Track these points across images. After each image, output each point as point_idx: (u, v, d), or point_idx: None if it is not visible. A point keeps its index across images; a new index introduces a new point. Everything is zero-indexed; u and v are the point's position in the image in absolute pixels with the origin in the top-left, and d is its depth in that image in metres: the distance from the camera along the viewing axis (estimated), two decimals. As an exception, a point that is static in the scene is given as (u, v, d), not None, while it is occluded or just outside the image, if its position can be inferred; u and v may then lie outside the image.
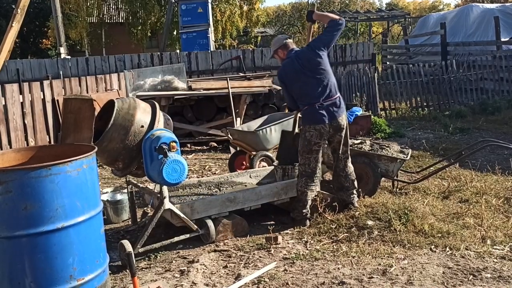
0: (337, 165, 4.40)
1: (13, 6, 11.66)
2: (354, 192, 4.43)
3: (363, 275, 3.21)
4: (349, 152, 4.42)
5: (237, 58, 11.11)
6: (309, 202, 4.23)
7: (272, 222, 4.27)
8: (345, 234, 3.92)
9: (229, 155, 6.41)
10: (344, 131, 4.27)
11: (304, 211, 4.20)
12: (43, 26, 27.71)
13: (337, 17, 4.21)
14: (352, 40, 28.96)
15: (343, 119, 4.24)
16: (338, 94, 4.27)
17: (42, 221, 2.50)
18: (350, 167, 4.42)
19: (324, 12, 4.25)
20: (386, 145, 5.23)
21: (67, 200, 2.57)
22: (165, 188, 3.65)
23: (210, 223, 3.91)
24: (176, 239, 3.81)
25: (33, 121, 6.82)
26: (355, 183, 4.45)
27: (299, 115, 4.49)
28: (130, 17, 25.26)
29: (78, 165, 2.61)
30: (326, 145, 4.42)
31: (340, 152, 4.35)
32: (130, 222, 4.46)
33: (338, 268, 3.34)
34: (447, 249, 3.55)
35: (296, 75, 4.17)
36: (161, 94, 7.58)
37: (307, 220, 4.21)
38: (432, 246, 3.61)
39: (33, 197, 2.47)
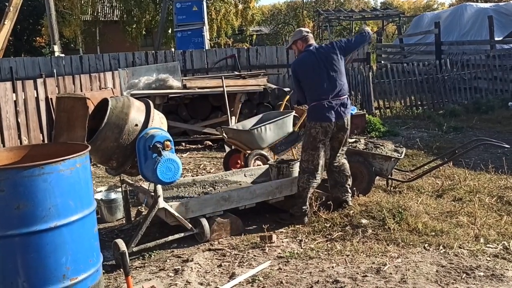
0: (332, 161, 4.43)
1: (6, 4, 11.58)
2: (349, 189, 4.45)
3: (357, 273, 3.22)
4: (345, 149, 4.48)
5: (232, 57, 11.09)
6: (309, 198, 4.25)
7: (267, 221, 4.27)
8: (340, 233, 3.93)
9: (224, 154, 6.41)
10: (347, 131, 4.33)
11: (304, 207, 4.22)
12: (37, 24, 27.55)
13: (368, 29, 4.35)
14: (347, 39, 28.92)
15: (348, 119, 4.31)
16: (347, 95, 4.33)
17: (35, 221, 2.48)
18: (345, 163, 4.46)
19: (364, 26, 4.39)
20: (381, 143, 5.24)
21: (60, 199, 2.55)
22: (159, 187, 3.64)
23: (204, 222, 3.91)
24: (170, 238, 3.80)
25: (27, 120, 6.78)
26: (350, 179, 4.47)
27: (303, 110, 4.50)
28: (125, 15, 25.16)
29: (71, 164, 2.60)
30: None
31: (338, 151, 4.39)
32: (124, 221, 4.45)
33: (332, 267, 3.35)
34: (441, 247, 3.57)
35: (312, 68, 4.22)
36: (155, 93, 7.55)
37: (306, 217, 4.22)
38: (426, 245, 3.63)
39: (26, 196, 2.46)
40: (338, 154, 4.39)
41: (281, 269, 3.36)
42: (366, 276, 3.17)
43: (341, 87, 4.23)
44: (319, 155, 4.21)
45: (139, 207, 4.68)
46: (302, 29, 4.51)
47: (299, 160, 4.74)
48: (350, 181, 4.47)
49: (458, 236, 3.73)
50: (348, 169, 4.47)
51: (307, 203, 4.23)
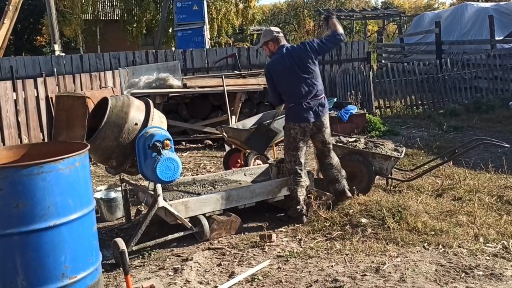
0: (323, 161, 4.48)
1: (6, 3, 11.58)
2: (345, 182, 4.51)
3: (356, 272, 3.22)
4: (331, 145, 4.50)
5: (233, 56, 11.08)
6: (302, 198, 4.25)
7: (266, 220, 4.27)
8: (339, 232, 3.93)
9: (224, 153, 6.41)
10: (327, 130, 4.36)
11: (298, 207, 4.22)
12: (37, 23, 27.54)
13: (342, 31, 4.29)
14: (347, 39, 28.98)
15: (326, 118, 4.34)
16: (324, 95, 4.34)
17: (34, 219, 2.49)
18: (334, 157, 4.51)
19: (337, 23, 4.32)
20: (381, 143, 5.24)
21: (59, 198, 2.55)
22: (159, 186, 3.64)
23: (204, 221, 3.91)
24: (170, 237, 3.80)
25: (27, 119, 6.79)
26: (343, 172, 4.53)
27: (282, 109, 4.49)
28: (125, 15, 25.14)
29: (70, 163, 2.60)
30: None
31: (325, 150, 4.43)
32: (123, 220, 4.45)
33: (332, 266, 3.35)
34: (440, 246, 3.57)
35: (285, 72, 4.20)
36: (155, 92, 7.55)
37: (304, 217, 4.23)
38: (425, 244, 3.63)
39: (25, 195, 2.46)
40: (326, 153, 4.44)
41: (280, 268, 3.36)
42: (365, 275, 3.17)
43: (317, 88, 4.24)
44: (300, 154, 4.24)
45: (138, 206, 4.69)
46: (272, 28, 4.45)
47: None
48: (344, 174, 4.53)
49: (457, 235, 3.73)
50: (339, 162, 4.53)
51: (302, 203, 4.23)
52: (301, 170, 4.25)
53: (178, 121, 8.05)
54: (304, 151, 4.28)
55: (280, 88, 4.29)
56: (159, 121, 3.65)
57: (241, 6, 25.61)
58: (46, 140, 6.91)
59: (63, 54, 13.09)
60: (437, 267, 3.26)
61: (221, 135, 5.97)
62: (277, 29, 4.47)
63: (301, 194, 4.25)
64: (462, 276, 3.12)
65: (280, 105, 4.52)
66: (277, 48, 4.29)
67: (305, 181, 4.29)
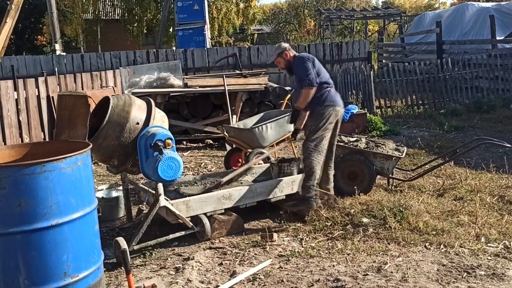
0: (328, 162, 4.53)
1: (8, 2, 11.58)
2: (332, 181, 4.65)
3: (358, 272, 3.22)
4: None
5: (233, 56, 11.08)
6: (318, 176, 4.31)
7: (267, 220, 4.27)
8: (340, 232, 3.93)
9: (225, 153, 6.41)
10: (339, 126, 4.50)
11: (314, 188, 4.24)
12: (38, 23, 27.55)
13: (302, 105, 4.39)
14: (348, 38, 28.97)
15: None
16: None
17: (36, 218, 2.48)
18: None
19: (300, 117, 4.52)
20: (382, 143, 5.24)
21: (62, 197, 2.55)
22: (160, 185, 3.64)
23: (205, 220, 3.91)
24: (171, 236, 3.81)
25: (28, 118, 6.79)
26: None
27: (312, 93, 4.37)
28: (126, 14, 25.16)
29: (72, 162, 2.60)
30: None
31: (331, 147, 4.51)
32: (125, 219, 4.45)
33: (333, 265, 3.35)
34: (442, 246, 3.57)
35: (319, 62, 4.48)
36: (156, 91, 7.55)
37: (313, 201, 4.22)
38: (427, 244, 3.63)
39: (27, 194, 2.46)
40: (333, 151, 4.57)
41: (282, 268, 3.36)
42: (367, 274, 3.17)
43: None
44: (327, 136, 4.32)
45: (140, 206, 4.69)
46: (283, 43, 4.66)
47: (300, 159, 4.76)
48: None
49: (459, 235, 3.73)
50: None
51: (315, 181, 4.25)
52: (324, 151, 4.29)
53: (179, 120, 8.05)
54: (328, 136, 4.34)
55: (318, 74, 4.37)
56: (160, 120, 3.65)
57: (241, 5, 25.62)
58: (47, 139, 6.91)
59: (64, 53, 13.10)
60: (438, 267, 3.26)
61: (222, 135, 5.97)
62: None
63: (318, 171, 4.28)
64: (464, 276, 3.12)
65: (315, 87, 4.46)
66: (292, 55, 4.47)
67: (322, 163, 4.33)
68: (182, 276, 3.26)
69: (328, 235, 3.91)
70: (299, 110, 4.43)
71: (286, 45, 4.56)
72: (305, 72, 4.26)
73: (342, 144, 5.09)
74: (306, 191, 4.24)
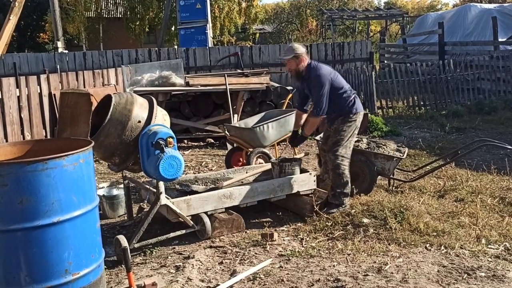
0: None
1: (10, 0, 11.60)
2: None
3: (358, 272, 3.22)
4: None
5: (235, 55, 11.09)
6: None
7: (268, 219, 4.27)
8: (341, 232, 3.93)
9: (226, 152, 6.41)
10: None
11: (347, 188, 4.35)
12: (41, 20, 27.57)
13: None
14: (350, 39, 28.95)
15: None
16: None
17: (38, 215, 2.49)
18: None
19: (307, 134, 4.56)
20: (383, 143, 5.24)
21: (63, 194, 2.56)
22: (161, 183, 3.64)
23: (206, 219, 3.91)
24: (172, 234, 3.81)
25: (30, 115, 6.80)
26: None
27: (319, 122, 4.53)
28: (128, 12, 25.17)
29: (74, 160, 2.60)
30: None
31: None
32: (126, 217, 4.46)
33: (333, 266, 3.35)
34: (442, 247, 3.57)
35: (336, 72, 4.52)
36: (158, 90, 7.56)
37: (345, 200, 4.35)
38: (427, 245, 3.63)
39: (29, 191, 2.46)
40: None
41: (282, 267, 3.36)
42: (367, 275, 3.18)
43: None
44: (354, 142, 4.48)
45: (141, 204, 4.69)
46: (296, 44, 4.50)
47: (300, 158, 4.76)
48: None
49: (459, 236, 3.73)
50: None
51: (348, 186, 4.37)
52: (350, 157, 4.39)
53: (180, 119, 8.06)
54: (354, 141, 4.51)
55: (337, 85, 4.34)
56: (162, 119, 3.65)
57: (244, 5, 25.62)
58: (48, 137, 6.92)
59: (66, 51, 13.11)
60: (439, 268, 3.26)
61: (223, 134, 5.97)
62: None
63: (349, 178, 4.37)
64: (464, 277, 3.12)
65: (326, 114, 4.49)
66: (307, 63, 4.34)
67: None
68: (183, 274, 3.27)
69: (328, 235, 3.91)
70: (306, 137, 4.55)
71: (304, 49, 4.34)
72: (319, 98, 4.22)
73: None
74: (337, 199, 4.32)
